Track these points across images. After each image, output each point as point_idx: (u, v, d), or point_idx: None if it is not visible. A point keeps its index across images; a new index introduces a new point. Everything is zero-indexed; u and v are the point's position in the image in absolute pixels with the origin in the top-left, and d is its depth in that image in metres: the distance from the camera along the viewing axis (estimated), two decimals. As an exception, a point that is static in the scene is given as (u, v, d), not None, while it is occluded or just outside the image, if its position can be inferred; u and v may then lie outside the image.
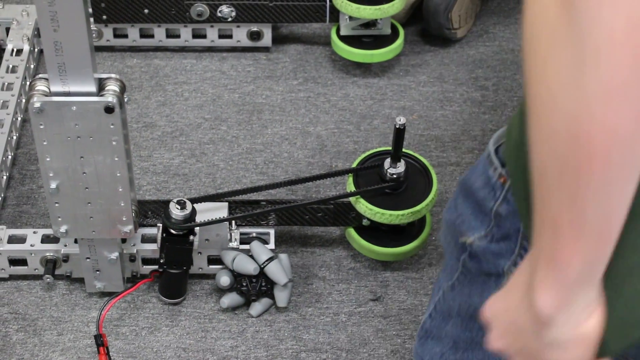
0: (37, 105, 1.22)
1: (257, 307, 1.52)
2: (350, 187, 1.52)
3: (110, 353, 1.45)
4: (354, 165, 1.55)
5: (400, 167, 1.51)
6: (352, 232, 1.56)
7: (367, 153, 1.57)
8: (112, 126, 1.26)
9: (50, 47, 1.18)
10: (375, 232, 1.56)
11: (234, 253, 1.49)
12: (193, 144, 1.81)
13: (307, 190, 1.73)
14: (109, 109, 1.23)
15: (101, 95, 1.24)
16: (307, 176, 1.55)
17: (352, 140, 1.83)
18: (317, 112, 1.88)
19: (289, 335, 1.50)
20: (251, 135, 1.83)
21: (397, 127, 1.44)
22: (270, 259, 1.48)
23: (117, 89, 1.25)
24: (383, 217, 1.49)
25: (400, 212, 1.49)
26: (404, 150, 1.52)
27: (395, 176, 1.51)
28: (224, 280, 1.49)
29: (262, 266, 1.48)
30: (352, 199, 1.52)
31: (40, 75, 1.25)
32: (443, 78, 1.97)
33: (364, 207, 1.50)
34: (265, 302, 1.52)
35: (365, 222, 1.55)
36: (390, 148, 1.52)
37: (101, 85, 1.25)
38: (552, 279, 0.68)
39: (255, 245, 1.50)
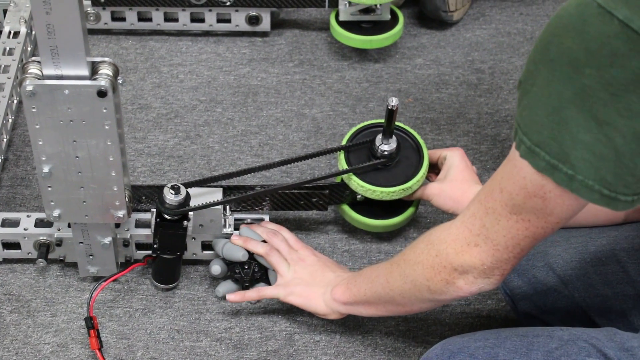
0: (29, 88, 1.22)
1: None
2: (342, 165, 1.53)
3: (104, 334, 1.46)
4: (346, 138, 1.56)
5: (392, 143, 1.52)
6: (344, 206, 1.58)
7: (359, 126, 1.58)
8: (104, 110, 1.25)
9: (42, 30, 1.17)
10: (367, 205, 1.57)
11: (224, 241, 1.49)
12: (188, 126, 1.81)
13: (301, 173, 1.73)
14: (101, 93, 1.23)
15: (94, 79, 1.23)
16: (298, 156, 1.54)
17: (348, 122, 1.83)
18: (313, 94, 1.88)
19: (283, 317, 1.51)
20: (246, 118, 1.83)
21: (389, 108, 1.45)
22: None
23: (110, 72, 1.24)
24: (374, 194, 1.51)
25: (391, 189, 1.50)
26: (396, 123, 1.53)
27: (386, 153, 1.52)
28: (215, 269, 1.49)
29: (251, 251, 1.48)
30: (344, 176, 1.53)
31: (33, 58, 1.24)
32: (439, 61, 1.97)
33: (355, 183, 1.51)
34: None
35: (359, 198, 1.56)
36: (378, 121, 1.55)
37: (94, 68, 1.24)
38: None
39: (244, 231, 1.49)
